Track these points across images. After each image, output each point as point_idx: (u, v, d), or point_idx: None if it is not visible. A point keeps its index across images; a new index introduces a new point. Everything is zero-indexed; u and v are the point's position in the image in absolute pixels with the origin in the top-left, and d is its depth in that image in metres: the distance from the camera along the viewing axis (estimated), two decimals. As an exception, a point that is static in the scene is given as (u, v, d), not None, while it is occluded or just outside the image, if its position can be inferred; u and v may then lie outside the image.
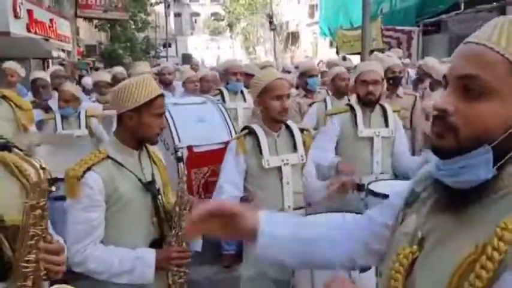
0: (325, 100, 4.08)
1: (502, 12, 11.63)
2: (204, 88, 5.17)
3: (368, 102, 2.93)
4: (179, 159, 1.96)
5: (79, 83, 8.19)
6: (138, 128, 1.85)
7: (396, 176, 2.96)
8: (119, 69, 5.61)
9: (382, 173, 2.90)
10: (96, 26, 24.07)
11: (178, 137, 2.87)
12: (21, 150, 1.28)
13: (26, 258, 1.23)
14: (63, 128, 3.86)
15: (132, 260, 1.81)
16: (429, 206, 0.90)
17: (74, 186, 1.75)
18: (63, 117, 3.91)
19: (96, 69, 15.97)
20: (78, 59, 19.37)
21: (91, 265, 1.79)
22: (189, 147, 2.86)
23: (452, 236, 0.82)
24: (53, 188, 1.30)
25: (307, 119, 3.90)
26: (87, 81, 6.71)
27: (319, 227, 1.18)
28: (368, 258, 1.11)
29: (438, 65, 4.91)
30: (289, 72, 7.26)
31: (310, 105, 4.17)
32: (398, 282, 0.86)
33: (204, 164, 2.85)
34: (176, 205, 1.89)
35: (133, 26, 26.69)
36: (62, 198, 2.23)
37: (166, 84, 5.46)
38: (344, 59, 8.60)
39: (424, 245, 0.87)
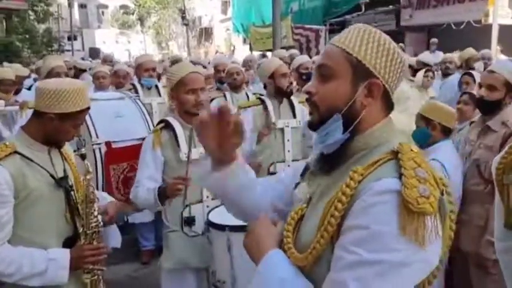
0: (224, 95, 4.23)
1: (397, 14, 12.76)
2: (115, 83, 5.01)
3: (289, 93, 3.11)
4: (83, 157, 1.92)
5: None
6: (55, 132, 1.81)
7: None
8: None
9: (294, 160, 3.08)
10: (-11, 16, 21.81)
11: (96, 133, 2.79)
12: None
13: None
14: None
15: (44, 261, 1.74)
16: (314, 172, 1.13)
17: None
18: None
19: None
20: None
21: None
22: (108, 143, 2.80)
23: (327, 192, 1.02)
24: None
25: None
26: None
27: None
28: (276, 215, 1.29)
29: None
30: (204, 67, 7.30)
31: (211, 100, 4.29)
32: (289, 232, 1.07)
33: (123, 159, 2.80)
34: (83, 203, 1.87)
35: (32, 17, 24.60)
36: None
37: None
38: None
39: (309, 203, 1.09)
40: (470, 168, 2.63)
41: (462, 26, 10.40)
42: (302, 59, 5.01)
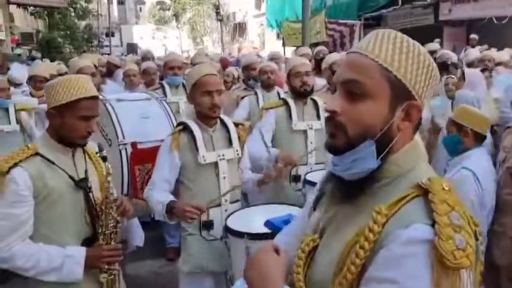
0: (256, 93, 4.19)
1: (436, 8, 12.27)
2: (146, 81, 5.07)
3: (303, 93, 3.02)
4: (104, 159, 1.93)
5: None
6: (60, 127, 1.82)
7: None
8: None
9: (317, 164, 3.02)
10: (32, 14, 22.68)
11: (122, 133, 2.82)
12: None
13: None
14: None
15: (61, 257, 1.79)
16: (329, 199, 1.01)
17: None
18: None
19: (33, 58, 15.09)
20: (12, 48, 18.19)
21: (18, 262, 1.75)
22: (133, 144, 2.82)
23: (346, 223, 0.91)
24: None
25: (239, 111, 3.98)
26: (15, 74, 6.29)
27: None
28: None
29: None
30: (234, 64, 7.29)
31: (242, 98, 4.26)
32: (299, 267, 0.95)
33: (148, 160, 2.79)
34: (102, 204, 1.89)
35: (73, 14, 25.44)
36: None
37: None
38: None
39: (324, 233, 0.97)
40: (504, 177, 2.49)
41: (505, 21, 9.89)
42: (335, 56, 4.88)
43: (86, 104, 1.81)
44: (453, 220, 0.78)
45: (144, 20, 47.49)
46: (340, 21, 13.68)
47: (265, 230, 2.02)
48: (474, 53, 6.35)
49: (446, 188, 0.83)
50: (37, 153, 1.79)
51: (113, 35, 32.37)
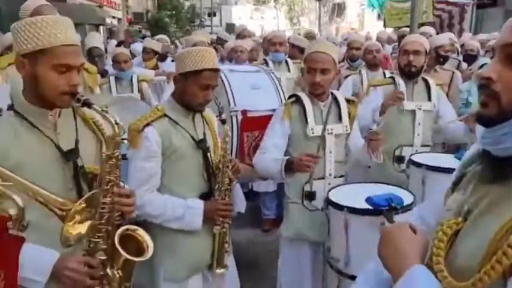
0: (360, 72, 4.13)
1: None
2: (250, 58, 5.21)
3: (408, 73, 2.92)
4: (223, 122, 2.11)
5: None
6: (182, 92, 2.03)
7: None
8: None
9: (423, 146, 2.93)
10: (143, -7, 24.34)
11: (234, 101, 3.00)
12: (98, 107, 1.44)
13: (103, 201, 1.43)
14: (117, 92, 4.08)
15: (183, 207, 2.02)
16: (476, 179, 0.93)
17: (134, 138, 1.97)
18: (117, 81, 4.15)
19: (144, 37, 16.23)
20: (127, 26, 19.75)
21: (148, 209, 1.99)
22: (243, 112, 2.99)
23: (497, 205, 0.83)
24: (125, 141, 1.48)
25: (342, 90, 3.96)
26: (137, 48, 6.95)
27: None
28: None
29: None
30: (335, 44, 7.13)
31: (346, 77, 4.23)
32: (441, 250, 0.89)
33: (256, 128, 2.95)
34: (220, 163, 2.07)
35: (179, -6, 26.80)
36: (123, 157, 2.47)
37: None
38: None
39: (469, 216, 0.89)
40: None
41: None
42: (444, 39, 4.63)
43: (208, 75, 1.99)
44: None
45: (243, 0, 48.35)
46: (450, 0, 12.70)
47: (366, 206, 2.05)
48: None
49: None
50: (165, 115, 2.03)
51: (214, 15, 33.46)
